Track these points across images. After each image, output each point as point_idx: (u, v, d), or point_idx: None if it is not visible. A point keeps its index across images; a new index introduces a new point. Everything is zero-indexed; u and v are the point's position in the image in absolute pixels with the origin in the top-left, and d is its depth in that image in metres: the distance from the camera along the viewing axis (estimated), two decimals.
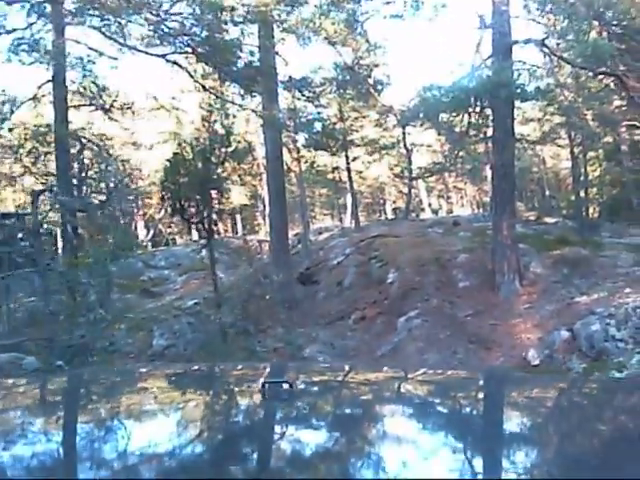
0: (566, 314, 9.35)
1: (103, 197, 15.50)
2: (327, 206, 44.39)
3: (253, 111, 13.80)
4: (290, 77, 15.96)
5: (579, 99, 17.25)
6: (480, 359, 9.47)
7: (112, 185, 15.73)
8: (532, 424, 1.48)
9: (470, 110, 10.40)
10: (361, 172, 34.22)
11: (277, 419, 1.47)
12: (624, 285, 10.75)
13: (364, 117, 25.08)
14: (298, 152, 21.86)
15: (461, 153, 11.96)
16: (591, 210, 26.15)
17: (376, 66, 17.59)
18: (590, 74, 18.27)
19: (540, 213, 27.04)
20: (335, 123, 23.95)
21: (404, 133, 24.74)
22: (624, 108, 24.62)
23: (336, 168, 32.95)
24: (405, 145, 24.69)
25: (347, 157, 23.33)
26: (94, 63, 15.31)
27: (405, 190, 44.09)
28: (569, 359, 8.44)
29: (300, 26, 14.38)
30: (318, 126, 18.70)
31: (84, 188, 15.68)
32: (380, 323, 12.40)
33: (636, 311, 8.24)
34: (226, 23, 13.37)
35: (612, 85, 14.17)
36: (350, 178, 23.90)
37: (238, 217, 46.62)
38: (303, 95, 16.54)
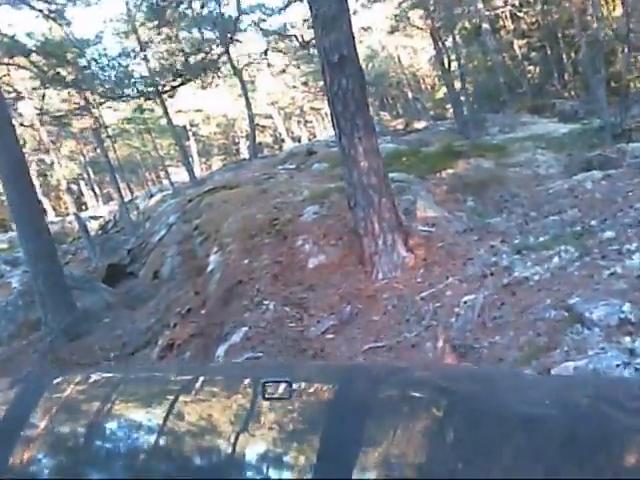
0: (517, 320, 4.17)
1: None
2: (180, 157, 37.89)
3: None
4: None
5: None
6: None
7: None
8: None
9: None
10: (201, 110, 27.90)
11: (277, 418, 1.33)
12: (581, 216, 5.75)
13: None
14: (87, 102, 15.35)
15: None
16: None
17: None
18: None
19: (408, 119, 22.26)
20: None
21: (228, 51, 18.62)
22: None
23: (179, 111, 26.75)
24: (233, 66, 18.65)
25: (162, 99, 16.94)
26: None
27: (263, 123, 38.12)
28: None
29: None
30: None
31: None
32: (193, 357, 6.86)
33: None
34: None
35: None
36: (169, 120, 17.65)
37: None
38: (40, 11, 10.25)
